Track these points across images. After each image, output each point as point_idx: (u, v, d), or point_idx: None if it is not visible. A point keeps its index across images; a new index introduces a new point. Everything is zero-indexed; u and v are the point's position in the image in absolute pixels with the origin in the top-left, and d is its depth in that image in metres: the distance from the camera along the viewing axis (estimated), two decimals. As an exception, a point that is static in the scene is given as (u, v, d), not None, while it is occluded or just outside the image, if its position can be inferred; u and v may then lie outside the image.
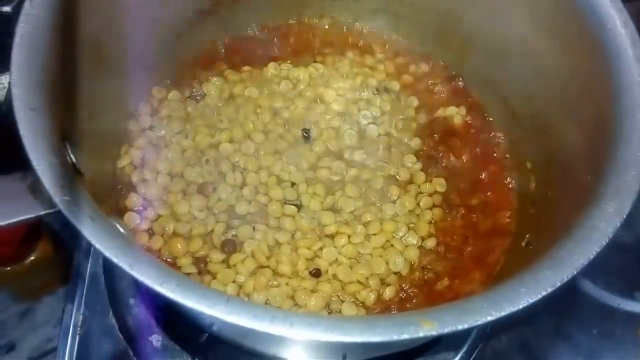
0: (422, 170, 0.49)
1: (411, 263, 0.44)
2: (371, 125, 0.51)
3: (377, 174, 0.48)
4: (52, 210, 0.29)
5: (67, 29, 0.38)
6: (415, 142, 0.51)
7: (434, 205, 0.47)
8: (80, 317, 0.49)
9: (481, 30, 0.50)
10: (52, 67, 0.36)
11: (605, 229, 0.30)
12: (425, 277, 0.44)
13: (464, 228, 0.46)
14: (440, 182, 0.48)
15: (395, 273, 0.44)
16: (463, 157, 0.49)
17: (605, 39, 0.38)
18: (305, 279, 0.43)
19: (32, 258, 0.60)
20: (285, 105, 0.52)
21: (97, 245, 0.28)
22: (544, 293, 0.28)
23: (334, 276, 0.43)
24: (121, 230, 0.34)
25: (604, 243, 0.30)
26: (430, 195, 0.48)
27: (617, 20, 0.38)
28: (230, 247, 0.44)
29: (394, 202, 0.47)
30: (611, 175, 0.33)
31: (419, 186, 0.48)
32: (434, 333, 0.27)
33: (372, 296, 0.42)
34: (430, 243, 0.45)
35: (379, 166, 0.49)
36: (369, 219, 0.45)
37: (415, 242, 0.45)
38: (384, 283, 0.43)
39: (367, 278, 0.43)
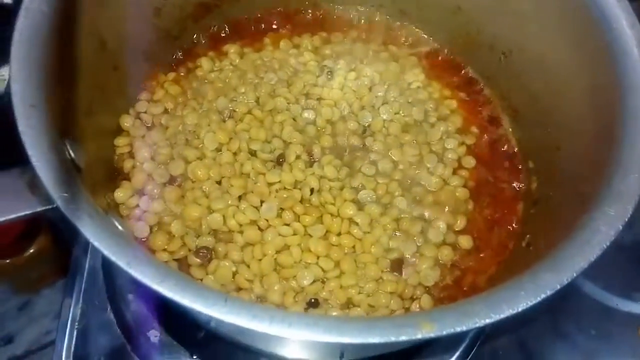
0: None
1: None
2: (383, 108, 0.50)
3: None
4: (50, 207, 0.29)
5: (68, 23, 0.38)
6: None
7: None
8: (79, 311, 0.49)
9: (487, 27, 0.50)
10: (52, 62, 0.35)
11: (607, 232, 0.30)
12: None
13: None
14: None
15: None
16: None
17: (611, 40, 0.38)
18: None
19: (32, 251, 0.60)
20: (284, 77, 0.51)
21: (96, 244, 0.28)
22: (543, 296, 0.28)
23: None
24: (119, 227, 0.34)
25: (605, 246, 0.29)
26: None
27: (623, 20, 0.38)
28: (204, 255, 0.41)
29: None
30: (614, 178, 0.33)
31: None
32: (432, 335, 0.27)
33: None
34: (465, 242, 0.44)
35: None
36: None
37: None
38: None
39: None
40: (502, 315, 0.27)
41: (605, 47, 0.37)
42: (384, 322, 0.27)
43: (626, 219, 0.30)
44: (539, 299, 0.28)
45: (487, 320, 0.27)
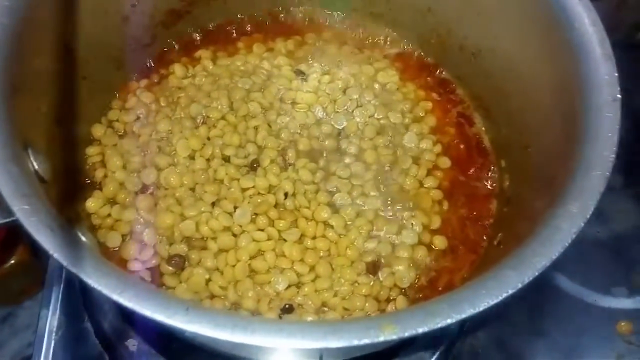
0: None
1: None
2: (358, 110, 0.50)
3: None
4: (9, 220, 0.29)
5: (33, 34, 0.37)
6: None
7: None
8: (56, 322, 0.49)
9: (456, 28, 0.50)
10: (17, 72, 0.35)
11: (569, 230, 0.30)
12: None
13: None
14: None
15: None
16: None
17: (574, 38, 0.38)
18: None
19: (12, 262, 0.60)
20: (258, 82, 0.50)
21: (55, 255, 0.27)
22: (504, 295, 0.28)
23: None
24: (83, 239, 0.34)
25: (567, 244, 0.30)
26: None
27: (585, 18, 0.38)
28: (176, 262, 0.41)
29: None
30: (577, 175, 0.33)
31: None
32: (395, 337, 0.27)
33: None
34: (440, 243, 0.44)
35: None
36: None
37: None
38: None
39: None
40: (464, 315, 0.27)
41: (568, 45, 0.38)
42: (346, 326, 0.27)
43: (587, 216, 0.30)
44: (500, 297, 0.28)
45: (449, 321, 0.27)
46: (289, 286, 0.41)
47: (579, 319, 0.52)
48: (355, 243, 0.43)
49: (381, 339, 0.27)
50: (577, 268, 0.53)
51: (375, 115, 0.50)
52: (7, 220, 0.29)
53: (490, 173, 0.48)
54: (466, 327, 0.50)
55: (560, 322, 0.52)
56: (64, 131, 0.41)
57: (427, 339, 0.49)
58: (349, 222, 0.44)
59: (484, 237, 0.45)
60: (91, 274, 0.27)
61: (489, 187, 0.47)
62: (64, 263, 0.27)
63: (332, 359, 0.42)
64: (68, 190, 0.39)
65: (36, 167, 0.33)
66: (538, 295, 0.51)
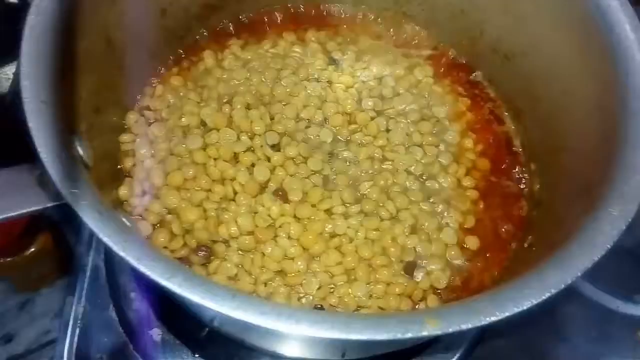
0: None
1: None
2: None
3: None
4: (59, 203, 0.29)
5: (76, 22, 0.38)
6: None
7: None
8: (81, 310, 0.49)
9: (489, 30, 0.50)
10: (61, 60, 0.36)
11: (610, 232, 0.31)
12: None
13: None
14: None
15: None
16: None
17: (615, 43, 0.38)
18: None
19: (33, 250, 0.60)
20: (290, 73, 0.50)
21: (105, 239, 0.28)
22: (548, 294, 0.28)
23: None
24: (127, 223, 0.34)
25: (609, 246, 0.30)
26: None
27: (626, 25, 0.38)
28: (204, 252, 0.41)
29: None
30: (617, 179, 0.33)
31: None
32: (439, 332, 0.27)
33: None
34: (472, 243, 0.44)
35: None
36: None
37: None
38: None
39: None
40: (508, 313, 0.27)
41: (607, 51, 0.38)
42: (390, 319, 0.28)
43: (629, 219, 0.31)
44: (544, 297, 0.28)
45: (493, 318, 0.27)
46: (320, 287, 0.41)
47: (601, 325, 0.52)
48: (398, 239, 0.43)
49: (424, 333, 0.27)
50: (600, 274, 0.53)
51: (415, 106, 0.50)
52: (57, 203, 0.30)
53: (520, 175, 0.48)
54: (488, 330, 0.51)
55: (582, 328, 0.52)
56: (101, 118, 0.41)
57: (448, 339, 0.49)
58: (394, 214, 0.44)
59: (513, 240, 0.45)
60: (140, 259, 0.27)
61: (519, 188, 0.47)
62: (114, 247, 0.27)
63: (354, 354, 0.42)
64: (106, 177, 0.40)
65: (81, 152, 0.34)
66: (560, 300, 0.51)
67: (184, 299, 0.27)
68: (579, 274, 0.29)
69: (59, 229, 0.63)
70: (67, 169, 0.30)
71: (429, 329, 0.27)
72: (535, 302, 0.28)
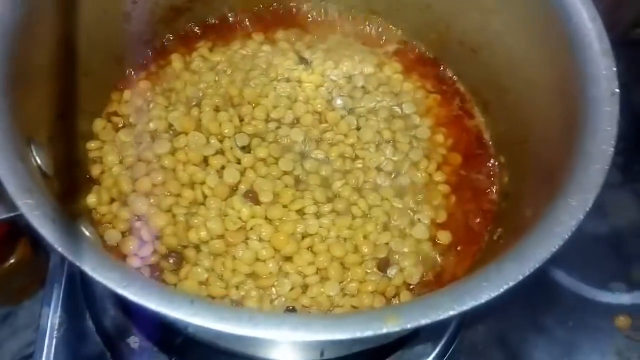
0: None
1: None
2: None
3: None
4: (14, 214, 0.29)
5: (35, 28, 0.38)
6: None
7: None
8: (57, 320, 0.49)
9: (455, 23, 0.50)
10: (19, 68, 0.35)
11: (569, 222, 0.31)
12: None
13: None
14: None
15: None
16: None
17: (573, 33, 0.38)
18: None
19: (12, 261, 0.60)
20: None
21: (60, 249, 0.28)
22: (505, 287, 0.28)
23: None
24: (87, 233, 0.34)
25: (567, 236, 0.30)
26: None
27: (584, 14, 0.38)
28: (174, 258, 0.41)
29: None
30: (576, 168, 0.33)
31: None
32: (398, 329, 0.27)
33: None
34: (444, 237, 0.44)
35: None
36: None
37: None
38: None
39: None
40: (465, 307, 0.27)
41: (567, 40, 0.38)
42: (350, 318, 0.28)
43: (587, 209, 0.31)
44: (501, 290, 0.28)
45: (451, 312, 0.27)
46: (292, 288, 0.40)
47: (577, 314, 0.53)
48: (370, 237, 0.43)
49: (384, 330, 0.27)
50: (575, 263, 0.54)
51: (385, 104, 0.50)
52: (11, 214, 0.30)
53: (490, 168, 0.48)
54: (466, 322, 0.51)
55: (559, 317, 0.52)
56: (65, 126, 0.41)
57: (427, 333, 0.49)
58: (365, 215, 0.43)
59: (484, 233, 0.45)
60: (96, 268, 0.27)
61: (489, 181, 0.47)
62: (68, 257, 0.27)
63: (333, 353, 0.42)
64: (70, 185, 0.39)
65: (39, 162, 0.33)
66: (537, 291, 0.52)
67: (143, 307, 0.27)
68: (537, 265, 0.29)
69: (37, 238, 0.63)
70: (23, 179, 0.30)
71: (388, 326, 0.27)
72: (492, 295, 0.28)
